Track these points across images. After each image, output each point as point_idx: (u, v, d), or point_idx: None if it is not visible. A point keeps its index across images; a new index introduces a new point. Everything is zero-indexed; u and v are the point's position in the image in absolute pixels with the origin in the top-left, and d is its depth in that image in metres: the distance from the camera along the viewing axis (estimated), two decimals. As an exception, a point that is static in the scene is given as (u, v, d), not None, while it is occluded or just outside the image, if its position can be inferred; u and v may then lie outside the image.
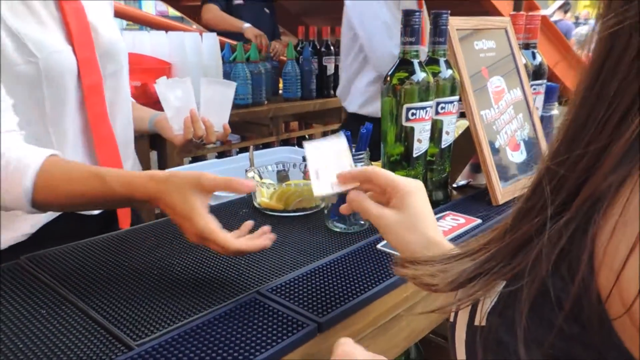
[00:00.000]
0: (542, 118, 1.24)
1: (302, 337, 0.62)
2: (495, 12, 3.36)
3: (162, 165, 2.02)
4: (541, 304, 0.30)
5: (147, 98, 1.79)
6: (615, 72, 0.29)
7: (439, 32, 1.00)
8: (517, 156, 1.13)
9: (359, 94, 2.02)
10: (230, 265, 0.79)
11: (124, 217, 1.11)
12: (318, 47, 2.59)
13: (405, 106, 0.95)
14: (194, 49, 2.14)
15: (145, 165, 1.94)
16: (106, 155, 1.04)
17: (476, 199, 1.10)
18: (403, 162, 0.98)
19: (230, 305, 0.68)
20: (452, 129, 1.05)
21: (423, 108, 0.95)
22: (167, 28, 2.76)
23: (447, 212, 1.01)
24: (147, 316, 0.65)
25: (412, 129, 0.96)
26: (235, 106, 2.30)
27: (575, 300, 0.28)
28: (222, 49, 2.34)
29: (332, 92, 2.64)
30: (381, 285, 0.73)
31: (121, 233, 0.92)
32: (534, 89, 1.22)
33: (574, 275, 0.29)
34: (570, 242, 0.30)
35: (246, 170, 1.12)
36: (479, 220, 0.97)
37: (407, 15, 0.93)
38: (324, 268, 0.79)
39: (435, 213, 1.01)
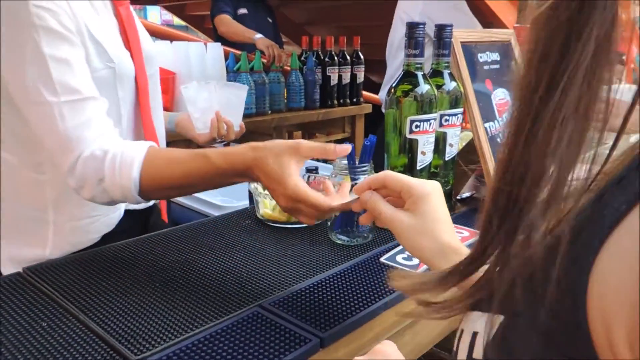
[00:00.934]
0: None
1: (304, 352, 0.61)
2: (499, 23, 3.37)
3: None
4: (537, 339, 0.29)
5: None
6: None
7: (443, 44, 1.00)
8: (522, 169, 1.12)
9: None
10: (232, 278, 0.79)
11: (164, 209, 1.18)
12: (322, 57, 2.60)
13: (409, 118, 0.94)
14: (199, 58, 2.14)
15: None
16: None
17: (480, 212, 1.09)
18: (407, 174, 0.98)
19: (232, 319, 0.67)
20: (456, 141, 1.05)
21: (427, 120, 0.95)
22: (172, 38, 2.77)
23: (451, 225, 1.00)
24: (148, 329, 0.65)
25: (416, 141, 0.96)
26: (239, 116, 2.30)
27: (567, 337, 0.27)
28: (226, 59, 2.35)
29: (335, 102, 2.64)
30: (384, 300, 0.73)
31: (124, 244, 0.92)
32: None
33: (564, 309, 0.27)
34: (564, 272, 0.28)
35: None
36: (483, 234, 0.96)
37: (411, 28, 0.93)
38: (327, 281, 0.78)
39: (439, 225, 1.01)
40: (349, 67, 2.66)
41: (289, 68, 2.55)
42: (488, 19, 3.35)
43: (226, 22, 2.81)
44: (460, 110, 1.02)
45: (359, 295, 0.74)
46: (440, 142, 1.03)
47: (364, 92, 2.89)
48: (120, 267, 0.82)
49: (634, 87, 0.30)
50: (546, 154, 0.29)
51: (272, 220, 1.01)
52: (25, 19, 0.80)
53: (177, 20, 7.07)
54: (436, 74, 1.02)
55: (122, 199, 0.82)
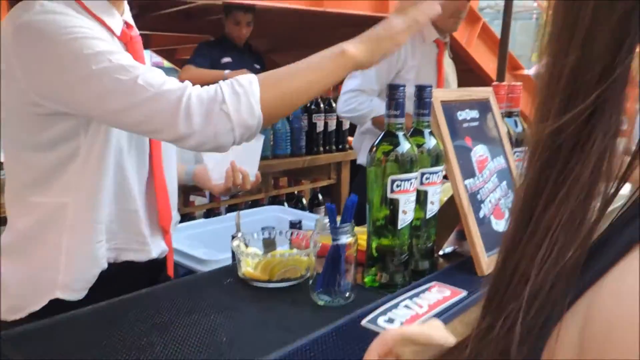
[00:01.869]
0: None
1: None
2: (480, 71, 3.47)
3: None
4: None
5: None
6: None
7: (423, 104, 1.02)
8: (502, 224, 1.13)
9: None
10: (210, 345, 0.77)
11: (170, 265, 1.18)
12: (308, 105, 2.64)
13: (390, 178, 0.96)
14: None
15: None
16: (163, 202, 1.10)
17: (463, 268, 1.09)
18: (389, 226, 0.98)
19: (209, 391, 0.66)
20: (436, 198, 1.06)
21: (408, 180, 0.96)
22: None
23: (434, 283, 1.00)
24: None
25: (397, 200, 0.97)
26: (224, 163, 2.31)
27: None
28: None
29: (321, 148, 2.67)
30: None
31: (102, 306, 0.90)
32: (517, 156, 1.24)
33: None
34: None
35: (232, 237, 1.12)
36: (464, 293, 0.96)
37: (392, 89, 0.95)
38: (308, 348, 0.77)
39: (422, 284, 1.00)
40: (335, 114, 2.71)
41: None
42: (469, 66, 3.46)
43: (188, 71, 2.85)
44: (441, 168, 1.04)
45: (339, 363, 0.73)
46: (421, 200, 1.04)
47: (350, 138, 2.93)
48: (97, 333, 0.81)
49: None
50: (534, 262, 0.30)
51: (254, 280, 1.00)
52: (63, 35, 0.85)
53: (167, 63, 7.17)
54: (417, 132, 1.04)
55: (247, 119, 0.86)
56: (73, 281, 0.97)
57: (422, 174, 1.02)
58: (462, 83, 3.62)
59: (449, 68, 2.10)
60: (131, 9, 1.07)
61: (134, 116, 0.86)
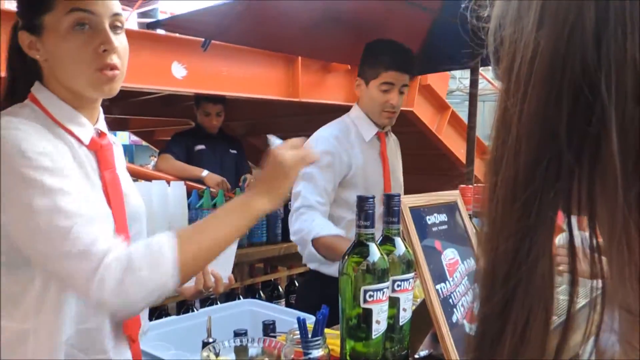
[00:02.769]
0: (497, 284, 1.27)
1: None
2: (451, 155, 3.59)
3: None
4: None
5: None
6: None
7: (392, 212, 1.05)
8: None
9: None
10: None
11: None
12: (284, 191, 2.68)
13: (362, 288, 0.96)
14: (161, 197, 2.18)
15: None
16: None
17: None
18: (362, 325, 0.97)
19: None
20: (408, 305, 1.06)
21: (380, 290, 0.97)
22: (143, 177, 2.82)
23: (408, 395, 0.98)
24: None
25: (371, 310, 0.97)
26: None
27: None
28: (189, 195, 2.39)
29: (297, 234, 2.68)
30: None
31: None
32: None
33: None
34: None
35: (203, 343, 1.09)
36: (440, 406, 0.94)
37: (361, 201, 0.98)
38: None
39: (396, 396, 0.99)
40: (311, 200, 2.74)
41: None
42: (441, 151, 3.58)
43: (166, 161, 2.89)
44: (412, 275, 1.05)
45: None
46: (394, 307, 1.04)
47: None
48: None
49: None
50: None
51: (224, 394, 0.97)
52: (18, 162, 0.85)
53: (145, 142, 7.26)
54: (387, 240, 1.06)
55: (162, 288, 0.86)
56: None
57: (394, 281, 1.03)
58: (434, 167, 3.75)
59: (393, 153, 2.02)
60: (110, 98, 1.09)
61: (57, 267, 0.86)
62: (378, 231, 1.03)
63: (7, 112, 0.95)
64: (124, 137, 9.58)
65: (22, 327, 0.91)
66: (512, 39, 0.32)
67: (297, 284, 2.75)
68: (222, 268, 1.30)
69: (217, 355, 1.07)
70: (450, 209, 1.22)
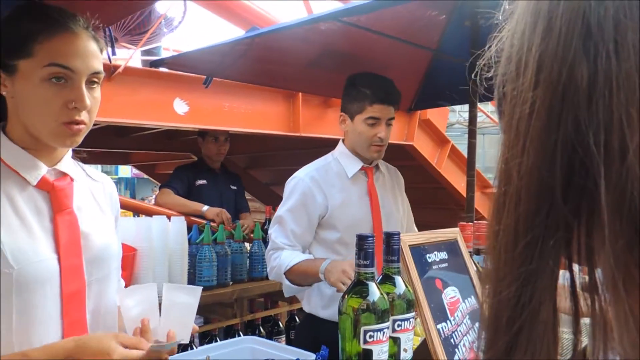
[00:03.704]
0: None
1: None
2: (450, 188, 3.60)
3: None
4: None
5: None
6: None
7: (391, 251, 1.05)
8: (478, 369, 1.12)
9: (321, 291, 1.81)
10: None
11: None
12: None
13: (362, 328, 0.95)
14: (161, 233, 2.17)
15: None
16: None
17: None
18: None
19: None
20: (409, 345, 1.05)
21: (380, 330, 0.96)
22: (147, 213, 2.81)
23: None
24: None
25: (371, 351, 0.96)
26: (199, 288, 2.28)
27: None
28: (189, 230, 2.38)
29: (298, 269, 2.66)
30: None
31: None
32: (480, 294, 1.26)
33: None
34: None
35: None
36: None
37: (360, 239, 0.99)
38: None
39: None
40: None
41: (251, 236, 2.59)
42: (441, 185, 3.59)
43: (166, 195, 2.89)
44: (412, 314, 1.05)
45: None
46: (394, 347, 1.03)
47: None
48: None
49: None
50: None
51: None
52: None
53: (146, 176, 7.29)
54: (387, 278, 1.05)
55: None
56: None
57: (394, 321, 1.03)
58: (435, 201, 3.75)
59: (386, 187, 1.95)
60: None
61: None
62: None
63: None
64: (125, 171, 9.63)
65: None
66: (512, 96, 0.34)
67: (297, 320, 2.72)
68: (180, 324, 1.10)
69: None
70: (450, 246, 1.22)
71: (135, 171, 9.25)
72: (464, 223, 1.30)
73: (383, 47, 2.23)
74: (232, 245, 2.46)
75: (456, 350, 1.09)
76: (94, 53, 1.00)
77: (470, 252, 1.27)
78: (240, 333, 2.41)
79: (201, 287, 1.17)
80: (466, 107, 3.17)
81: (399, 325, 1.03)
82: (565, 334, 0.35)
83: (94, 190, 1.13)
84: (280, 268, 1.75)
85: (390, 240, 1.04)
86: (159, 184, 6.05)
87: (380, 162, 1.96)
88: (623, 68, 0.29)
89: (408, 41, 2.23)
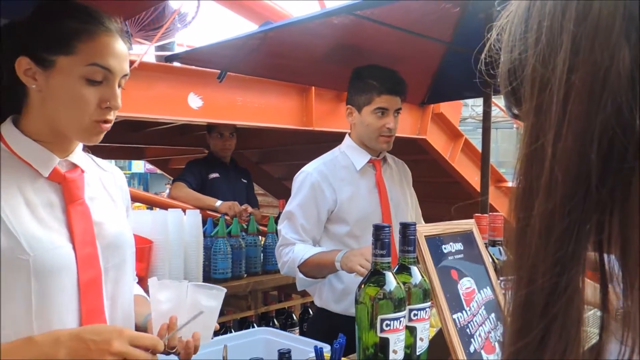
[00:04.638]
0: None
1: None
2: (464, 182, 3.58)
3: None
4: None
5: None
6: None
7: (407, 241, 1.06)
8: (493, 358, 1.12)
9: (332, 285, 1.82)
10: None
11: None
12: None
13: (379, 317, 0.96)
14: (177, 226, 2.20)
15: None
16: None
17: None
18: (379, 354, 0.97)
19: None
20: (425, 335, 1.06)
21: (397, 319, 0.97)
22: (162, 206, 2.84)
23: None
24: None
25: (387, 339, 0.97)
26: (214, 281, 2.30)
27: None
28: (204, 223, 2.41)
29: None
30: None
31: None
32: (503, 285, 1.26)
33: None
34: None
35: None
36: None
37: (377, 229, 0.99)
38: None
39: None
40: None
41: (265, 229, 2.62)
42: (454, 179, 3.58)
43: (180, 189, 2.92)
44: (428, 304, 1.05)
45: None
46: (410, 337, 1.04)
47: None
48: None
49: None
50: None
51: None
52: None
53: (160, 171, 7.35)
54: (403, 268, 1.06)
55: None
56: None
57: (410, 311, 1.03)
58: (448, 195, 3.74)
59: (394, 180, 1.95)
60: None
61: None
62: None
63: None
64: (139, 166, 9.71)
65: None
66: (542, 80, 0.34)
67: (311, 313, 2.74)
68: (203, 327, 1.08)
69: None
70: (466, 237, 1.22)
71: (149, 166, 9.33)
72: (479, 214, 1.30)
73: (396, 40, 2.23)
74: (246, 238, 2.48)
75: (472, 340, 1.10)
76: (126, 55, 1.03)
77: (485, 243, 1.27)
78: (255, 325, 2.43)
79: (225, 290, 1.13)
80: (479, 101, 3.15)
81: (415, 315, 1.04)
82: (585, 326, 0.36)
83: (105, 180, 1.14)
84: (294, 262, 1.76)
85: (407, 230, 1.05)
86: (172, 179, 6.12)
87: (388, 155, 1.96)
88: None
89: (421, 34, 2.22)
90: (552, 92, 0.33)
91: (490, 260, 1.25)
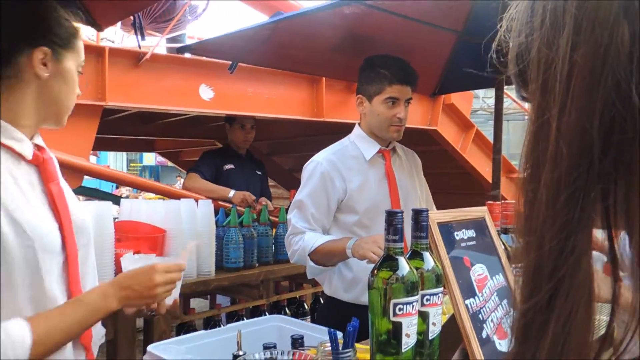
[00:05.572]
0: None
1: None
2: (476, 174, 3.58)
3: (148, 335, 1.97)
4: None
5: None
6: None
7: (420, 227, 1.06)
8: (505, 344, 1.13)
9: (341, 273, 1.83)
10: None
11: None
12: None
13: (392, 302, 0.97)
14: (189, 215, 2.22)
15: (132, 332, 1.90)
16: None
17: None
18: (392, 340, 0.98)
19: None
20: (438, 319, 1.07)
21: (409, 303, 0.98)
22: (175, 196, 2.88)
23: (439, 410, 0.98)
24: None
25: (400, 323, 0.98)
26: (227, 270, 2.33)
27: None
28: (216, 213, 2.43)
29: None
30: None
31: None
32: (515, 272, 1.26)
33: None
34: None
35: (233, 356, 1.11)
36: (471, 421, 0.94)
37: (390, 215, 1.00)
38: None
39: (427, 411, 0.99)
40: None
41: (276, 219, 2.63)
42: (466, 170, 3.57)
43: (194, 180, 2.95)
44: (441, 289, 1.06)
45: None
46: (423, 322, 1.05)
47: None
48: None
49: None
50: None
51: (256, 407, 0.99)
52: None
53: (170, 163, 7.39)
54: (415, 254, 1.07)
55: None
56: None
57: (423, 296, 1.04)
58: (460, 186, 3.74)
59: (404, 170, 1.95)
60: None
61: None
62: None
63: None
64: (150, 159, 9.77)
65: None
66: (547, 60, 0.35)
67: (322, 302, 2.76)
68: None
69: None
70: (478, 225, 1.23)
71: (160, 159, 9.39)
72: (492, 202, 1.31)
73: (407, 30, 2.22)
74: (257, 228, 2.50)
75: (484, 325, 1.10)
76: None
77: (498, 230, 1.27)
78: (266, 313, 2.46)
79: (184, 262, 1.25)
80: (490, 92, 3.14)
81: (427, 300, 1.04)
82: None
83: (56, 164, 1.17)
84: (304, 250, 1.78)
85: (419, 217, 1.06)
86: (184, 171, 6.16)
87: (397, 145, 1.96)
88: None
89: (432, 23, 2.21)
90: (556, 71, 0.34)
91: (503, 247, 1.25)
